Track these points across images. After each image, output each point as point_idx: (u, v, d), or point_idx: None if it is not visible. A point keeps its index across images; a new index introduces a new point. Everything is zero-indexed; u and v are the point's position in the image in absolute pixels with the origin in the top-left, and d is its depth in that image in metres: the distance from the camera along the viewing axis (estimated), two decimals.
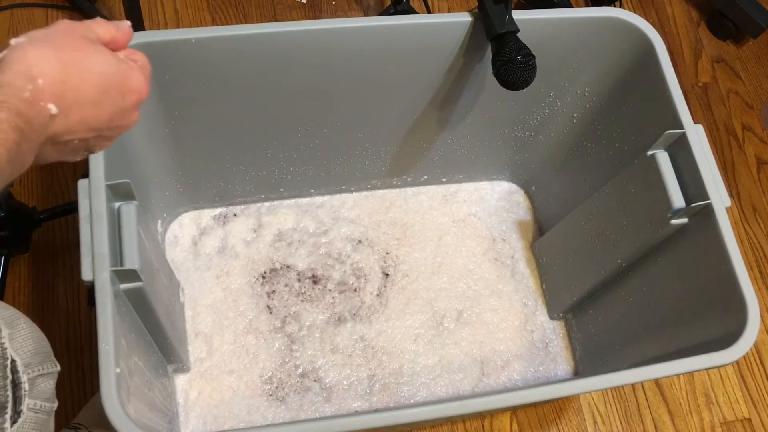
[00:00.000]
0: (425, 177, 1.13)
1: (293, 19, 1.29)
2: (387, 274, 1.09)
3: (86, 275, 0.67)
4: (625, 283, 0.95)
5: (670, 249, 0.86)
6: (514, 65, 0.77)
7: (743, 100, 1.38)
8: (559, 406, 1.09)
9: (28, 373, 0.59)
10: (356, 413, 0.99)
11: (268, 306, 1.04)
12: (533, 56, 0.77)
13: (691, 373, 1.13)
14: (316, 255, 1.08)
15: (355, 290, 1.07)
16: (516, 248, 1.14)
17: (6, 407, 0.57)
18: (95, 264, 0.67)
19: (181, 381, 0.98)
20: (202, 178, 1.01)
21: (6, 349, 0.58)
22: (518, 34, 0.79)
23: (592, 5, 1.42)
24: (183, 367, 0.97)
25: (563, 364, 1.07)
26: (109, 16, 1.23)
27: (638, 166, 0.86)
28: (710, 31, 1.44)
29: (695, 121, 0.81)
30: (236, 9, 1.30)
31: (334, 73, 0.86)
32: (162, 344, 0.87)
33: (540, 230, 1.16)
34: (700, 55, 1.41)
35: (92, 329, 0.72)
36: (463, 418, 1.05)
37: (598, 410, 1.09)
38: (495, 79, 0.79)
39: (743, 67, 1.41)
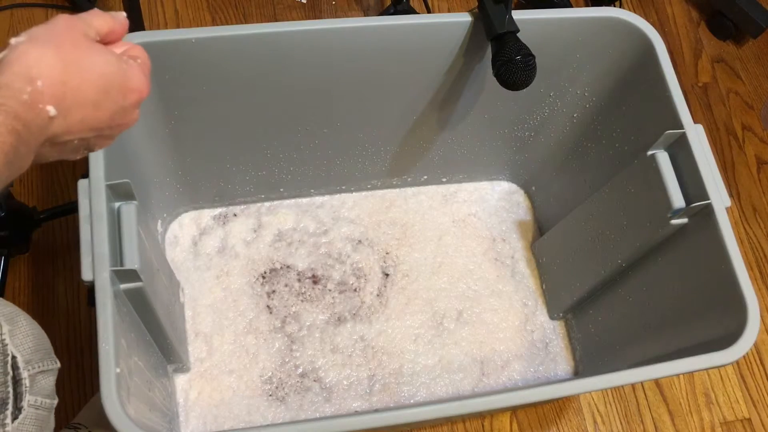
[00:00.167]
0: (425, 177, 1.13)
1: (293, 19, 1.29)
2: (387, 274, 1.09)
3: (86, 275, 0.67)
4: (625, 283, 0.95)
5: (670, 249, 0.86)
6: (514, 65, 0.77)
7: (743, 100, 1.38)
8: (559, 406, 1.09)
9: (29, 370, 0.60)
10: (356, 413, 0.99)
11: (268, 306, 1.04)
12: (533, 56, 0.77)
13: (691, 373, 1.13)
14: (316, 255, 1.08)
15: (355, 290, 1.07)
16: (516, 248, 1.14)
17: (7, 403, 0.57)
18: (95, 264, 0.67)
19: (181, 381, 0.98)
20: (202, 178, 1.01)
21: (6, 345, 0.58)
22: (518, 34, 0.79)
23: (592, 5, 1.42)
24: (183, 367, 0.97)
25: (563, 364, 1.07)
26: None
27: (638, 166, 0.86)
28: (710, 31, 1.44)
29: (695, 121, 0.81)
30: (236, 9, 1.30)
31: (334, 73, 0.86)
32: (162, 344, 0.87)
33: (540, 230, 1.16)
34: (700, 55, 1.41)
35: (92, 329, 0.72)
36: (463, 418, 1.05)
37: (598, 410, 1.09)
38: (495, 79, 0.79)
39: (743, 67, 1.41)
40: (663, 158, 0.82)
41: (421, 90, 0.92)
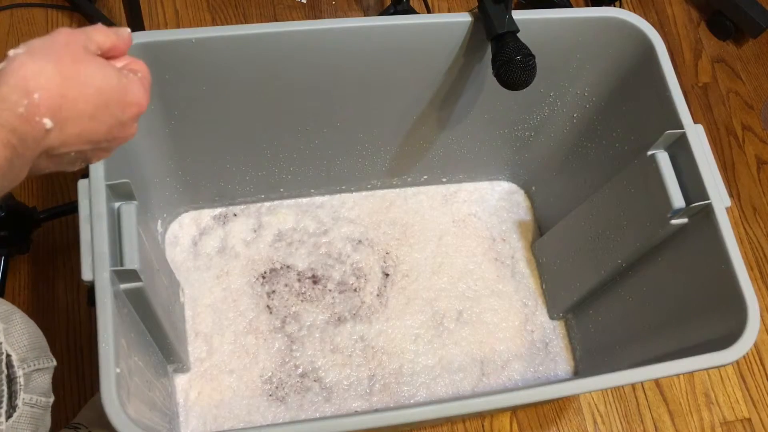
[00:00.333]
0: (425, 177, 1.13)
1: (293, 19, 1.29)
2: (387, 274, 1.09)
3: (86, 275, 0.67)
4: (625, 283, 0.95)
5: (670, 249, 0.86)
6: (514, 65, 0.77)
7: (743, 100, 1.38)
8: (559, 406, 1.09)
9: (24, 368, 0.60)
10: (356, 413, 0.99)
11: (268, 306, 1.04)
12: (533, 56, 0.77)
13: (691, 373, 1.13)
14: (316, 255, 1.08)
15: (355, 290, 1.07)
16: (516, 248, 1.14)
17: (1, 402, 0.57)
18: (95, 264, 0.67)
19: (181, 381, 0.98)
20: (202, 178, 1.01)
21: (1, 343, 0.59)
22: (518, 34, 0.79)
23: (592, 5, 1.42)
24: (183, 367, 0.97)
25: (563, 364, 1.07)
26: (109, 16, 1.23)
27: (638, 166, 0.86)
28: (710, 31, 1.44)
29: (695, 121, 0.81)
30: (236, 9, 1.30)
31: (334, 73, 0.86)
32: (162, 344, 0.87)
33: (540, 230, 1.16)
34: (700, 55, 1.41)
35: (92, 329, 0.73)
36: (463, 418, 1.05)
37: (598, 410, 1.09)
38: (495, 79, 0.79)
39: (743, 67, 1.41)
40: (663, 158, 0.82)
41: (421, 90, 0.92)
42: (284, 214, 1.10)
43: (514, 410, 1.07)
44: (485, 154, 1.10)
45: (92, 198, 0.69)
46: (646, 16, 1.39)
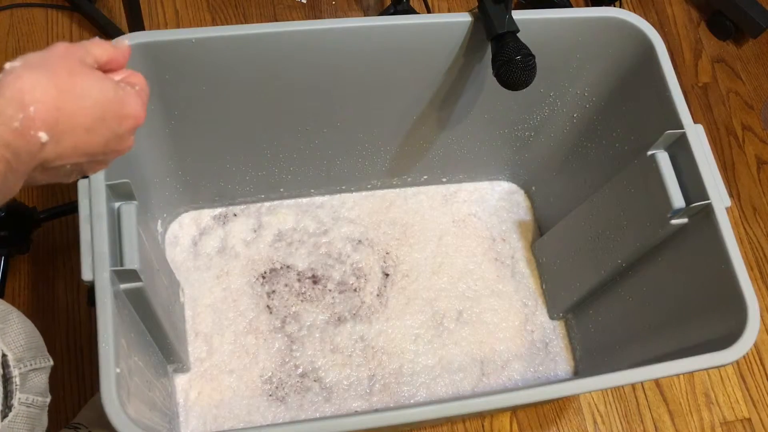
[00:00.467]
0: (425, 177, 1.13)
1: (293, 19, 1.29)
2: (387, 274, 1.09)
3: (86, 275, 0.67)
4: (625, 283, 0.95)
5: (670, 249, 0.86)
6: (514, 65, 0.77)
7: (743, 100, 1.38)
8: (559, 406, 1.09)
9: (20, 368, 0.60)
10: (356, 413, 0.99)
11: (268, 306, 1.04)
12: (533, 56, 0.77)
13: (691, 373, 1.13)
14: (316, 255, 1.08)
15: (355, 290, 1.07)
16: (516, 248, 1.14)
17: None
18: (95, 264, 0.67)
19: (181, 381, 0.98)
20: (202, 178, 1.01)
21: None
22: (518, 34, 0.79)
23: (592, 5, 1.42)
24: (183, 367, 0.97)
25: (563, 364, 1.07)
26: (109, 16, 1.23)
27: (638, 166, 0.86)
28: (710, 31, 1.44)
29: (695, 121, 0.81)
30: (236, 9, 1.30)
31: (334, 73, 0.86)
32: (162, 344, 0.87)
33: (540, 230, 1.16)
34: (700, 55, 1.41)
35: (92, 329, 0.73)
36: (463, 418, 1.05)
37: (598, 410, 1.09)
38: (495, 79, 0.79)
39: (743, 67, 1.41)
40: (663, 158, 0.82)
41: (421, 90, 0.92)
42: (284, 214, 1.10)
43: (514, 410, 1.07)
44: (485, 154, 1.10)
45: (92, 198, 0.69)
46: (646, 16, 1.39)
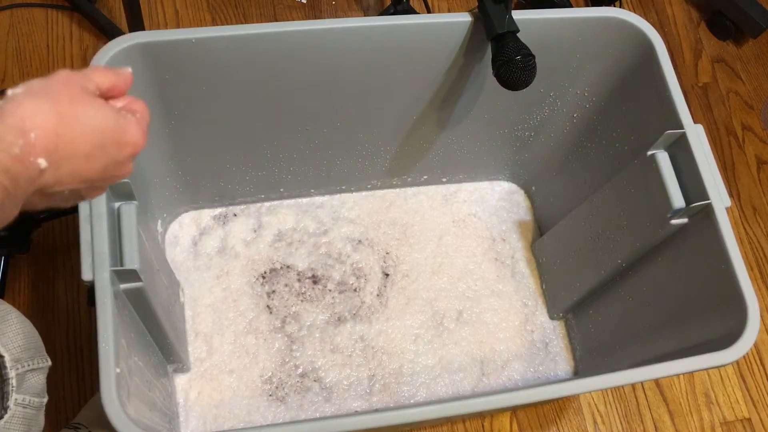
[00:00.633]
0: (425, 177, 1.13)
1: (293, 19, 1.29)
2: (387, 274, 1.09)
3: (86, 275, 0.67)
4: (625, 283, 0.95)
5: (670, 249, 0.86)
6: (514, 65, 0.77)
7: (743, 100, 1.38)
8: (559, 406, 1.09)
9: (17, 369, 0.60)
10: (356, 413, 0.99)
11: (268, 306, 1.04)
12: (533, 56, 0.77)
13: (691, 373, 1.13)
14: (316, 255, 1.08)
15: (355, 290, 1.07)
16: (516, 248, 1.14)
17: None
18: (95, 264, 0.67)
19: (181, 381, 0.98)
20: (202, 178, 1.01)
21: None
22: (518, 34, 0.79)
23: (592, 5, 1.42)
24: (183, 367, 0.97)
25: (563, 364, 1.07)
26: (109, 16, 1.23)
27: (638, 166, 0.86)
28: (710, 31, 1.44)
29: (695, 121, 0.81)
30: (236, 9, 1.30)
31: (334, 73, 0.86)
32: (162, 344, 0.87)
33: (540, 230, 1.16)
34: (700, 55, 1.41)
35: (92, 329, 0.72)
36: (463, 418, 1.05)
37: (598, 410, 1.09)
38: (495, 79, 0.79)
39: (743, 67, 1.41)
40: (663, 158, 0.82)
41: (421, 90, 0.92)
42: (284, 214, 1.10)
43: (514, 410, 1.07)
44: (485, 154, 1.10)
45: None
46: (646, 16, 1.39)
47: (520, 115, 1.01)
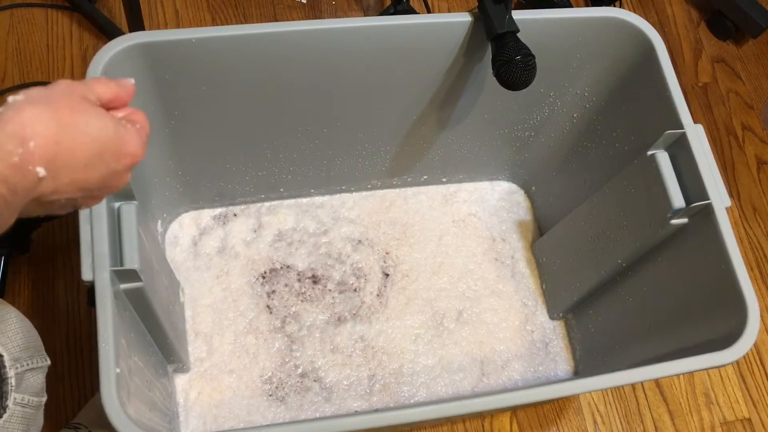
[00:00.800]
0: (425, 177, 1.13)
1: (293, 19, 1.29)
2: (387, 274, 1.09)
3: (86, 275, 0.67)
4: (625, 283, 0.95)
5: (670, 249, 0.86)
6: (514, 65, 0.77)
7: (743, 100, 1.38)
8: (559, 406, 1.09)
9: (16, 368, 0.60)
10: (356, 413, 0.99)
11: (268, 306, 1.04)
12: (533, 56, 0.77)
13: (691, 373, 1.13)
14: (316, 255, 1.08)
15: (355, 290, 1.07)
16: (516, 248, 1.14)
17: None
18: (95, 264, 0.67)
19: (181, 381, 0.98)
20: (202, 178, 1.01)
21: None
22: (518, 34, 0.79)
23: (592, 5, 1.42)
24: (183, 367, 0.97)
25: (563, 364, 1.07)
26: (109, 16, 1.23)
27: (638, 166, 0.86)
28: (710, 31, 1.44)
29: (695, 121, 0.81)
30: (236, 9, 1.30)
31: (334, 73, 0.86)
32: (162, 344, 0.87)
33: (540, 230, 1.16)
34: (700, 55, 1.41)
35: (92, 329, 0.72)
36: (463, 418, 1.05)
37: (598, 410, 1.09)
38: (495, 79, 0.79)
39: (743, 67, 1.41)
40: (663, 158, 0.82)
41: (421, 90, 0.92)
42: (284, 214, 1.10)
43: (514, 410, 1.07)
44: (485, 154, 1.10)
45: None
46: (646, 16, 1.39)
47: (520, 115, 1.01)
